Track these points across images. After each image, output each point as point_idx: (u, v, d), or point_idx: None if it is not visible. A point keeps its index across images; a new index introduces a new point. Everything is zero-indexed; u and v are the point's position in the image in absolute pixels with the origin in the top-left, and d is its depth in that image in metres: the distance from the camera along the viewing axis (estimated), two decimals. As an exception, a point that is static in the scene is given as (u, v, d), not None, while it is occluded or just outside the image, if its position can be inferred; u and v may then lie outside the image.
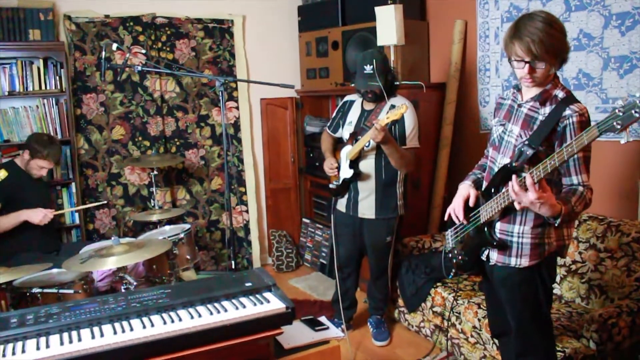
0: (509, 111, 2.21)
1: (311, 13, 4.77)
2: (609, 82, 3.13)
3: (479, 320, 2.92)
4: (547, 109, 2.04)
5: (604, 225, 2.95)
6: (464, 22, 4.00)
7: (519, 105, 2.15)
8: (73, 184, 4.14)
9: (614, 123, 1.63)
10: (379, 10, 3.80)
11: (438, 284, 3.36)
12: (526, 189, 1.88)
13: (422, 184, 4.11)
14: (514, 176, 1.93)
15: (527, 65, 1.97)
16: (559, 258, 2.25)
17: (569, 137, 1.95)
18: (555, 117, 1.99)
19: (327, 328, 2.43)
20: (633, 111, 1.58)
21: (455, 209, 2.31)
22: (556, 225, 1.96)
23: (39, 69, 3.94)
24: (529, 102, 2.10)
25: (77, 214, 4.17)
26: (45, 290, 2.63)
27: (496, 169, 2.18)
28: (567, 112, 1.97)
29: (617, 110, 1.61)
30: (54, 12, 4.03)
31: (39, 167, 3.54)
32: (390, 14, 3.72)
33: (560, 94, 2.05)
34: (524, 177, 1.90)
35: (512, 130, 2.15)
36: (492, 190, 2.15)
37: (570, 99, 2.02)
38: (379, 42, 3.85)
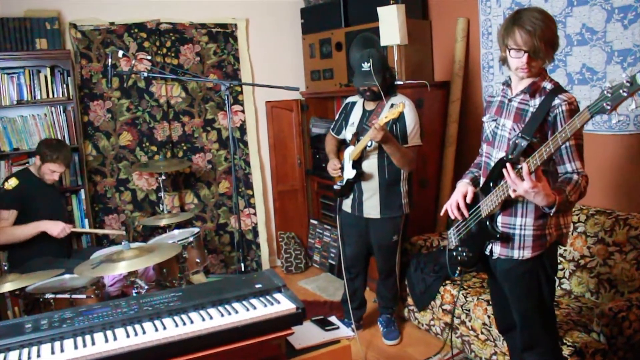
0: (500, 107, 2.25)
1: (314, 15, 4.79)
2: (613, 76, 3.11)
3: (489, 317, 2.92)
4: (537, 101, 2.09)
5: (612, 219, 2.94)
6: (466, 20, 4.01)
7: (509, 100, 2.19)
8: (82, 191, 4.18)
9: (604, 104, 1.65)
10: (381, 11, 3.82)
11: (447, 281, 3.37)
12: (522, 178, 1.91)
13: (428, 183, 4.12)
14: (508, 165, 1.95)
15: (526, 54, 2.01)
16: (560, 248, 2.25)
17: (559, 126, 1.99)
18: (546, 107, 2.03)
19: (338, 328, 2.43)
20: (621, 91, 1.61)
21: (455, 205, 2.33)
22: (551, 214, 1.99)
23: (46, 77, 3.99)
24: (519, 95, 2.15)
25: (86, 220, 4.21)
26: (58, 296, 2.67)
27: (492, 164, 2.21)
28: (557, 101, 2.02)
29: (605, 92, 1.64)
30: (59, 21, 4.07)
31: (51, 172, 3.58)
32: (393, 13, 3.73)
33: (548, 85, 2.09)
34: (521, 168, 1.93)
35: (505, 125, 2.19)
36: (491, 184, 2.18)
37: (558, 90, 2.07)
38: (382, 42, 3.87)
